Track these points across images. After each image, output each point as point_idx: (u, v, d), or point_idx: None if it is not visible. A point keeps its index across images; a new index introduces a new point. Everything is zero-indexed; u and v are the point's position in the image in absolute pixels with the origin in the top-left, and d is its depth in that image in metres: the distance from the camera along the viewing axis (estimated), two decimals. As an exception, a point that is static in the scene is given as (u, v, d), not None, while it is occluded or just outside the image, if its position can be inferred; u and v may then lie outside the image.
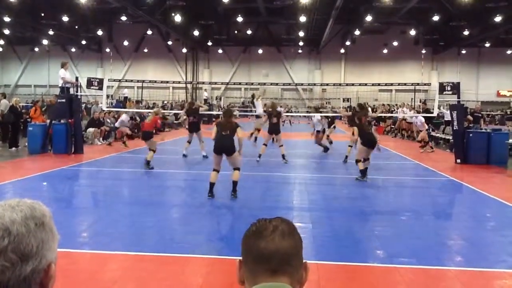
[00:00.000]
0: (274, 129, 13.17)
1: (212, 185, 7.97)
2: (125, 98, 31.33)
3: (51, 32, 37.47)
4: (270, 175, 11.01)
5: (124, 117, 17.70)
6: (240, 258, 1.23)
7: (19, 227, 0.94)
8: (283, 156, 12.75)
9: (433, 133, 19.14)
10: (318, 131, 15.19)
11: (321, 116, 15.63)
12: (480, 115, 19.73)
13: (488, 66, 43.87)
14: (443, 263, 5.11)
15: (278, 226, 1.21)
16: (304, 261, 1.23)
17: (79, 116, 14.63)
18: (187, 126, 16.07)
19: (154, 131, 11.37)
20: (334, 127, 15.87)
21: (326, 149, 15.19)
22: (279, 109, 15.19)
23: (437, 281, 4.70)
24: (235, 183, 8.03)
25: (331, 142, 15.78)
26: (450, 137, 16.03)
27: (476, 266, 5.02)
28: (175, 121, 25.50)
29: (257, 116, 16.03)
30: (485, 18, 31.25)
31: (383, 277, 4.75)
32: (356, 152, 10.88)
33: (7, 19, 32.15)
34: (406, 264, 4.96)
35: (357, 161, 10.29)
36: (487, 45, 41.41)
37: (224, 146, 7.89)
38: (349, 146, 13.35)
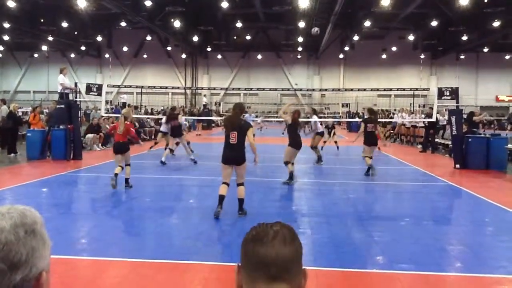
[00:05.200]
0: None
1: (222, 198, 7.09)
2: (124, 103, 31.34)
3: (50, 38, 37.58)
4: (268, 180, 10.99)
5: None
6: (239, 263, 1.22)
7: (8, 235, 0.92)
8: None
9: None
10: None
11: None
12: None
13: (486, 71, 44.01)
14: (443, 269, 5.10)
15: (278, 232, 1.19)
16: (303, 267, 1.22)
17: (78, 122, 14.63)
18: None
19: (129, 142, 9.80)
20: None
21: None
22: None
23: (436, 287, 4.68)
24: (242, 201, 7.21)
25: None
26: (449, 142, 16.04)
27: (475, 272, 5.01)
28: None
29: (318, 133, 14.15)
30: (483, 23, 31.38)
31: (382, 283, 4.74)
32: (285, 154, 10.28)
33: (6, 25, 32.25)
34: (405, 270, 4.94)
35: (287, 163, 9.98)
36: (486, 50, 41.60)
37: (234, 156, 7.08)
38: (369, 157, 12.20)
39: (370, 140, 11.45)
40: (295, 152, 10.09)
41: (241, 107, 7.37)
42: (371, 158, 11.40)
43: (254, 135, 8.42)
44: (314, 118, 14.42)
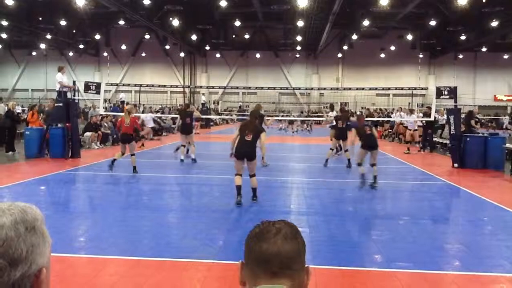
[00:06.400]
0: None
1: (239, 188, 7.95)
2: (122, 102, 31.31)
3: (48, 36, 37.47)
4: (267, 179, 10.99)
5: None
6: (243, 260, 1.24)
7: (9, 231, 0.92)
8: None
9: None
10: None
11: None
12: (477, 119, 19.76)
13: (484, 70, 44.05)
14: (441, 268, 5.11)
15: (281, 229, 1.21)
16: (306, 265, 1.23)
17: (76, 120, 14.61)
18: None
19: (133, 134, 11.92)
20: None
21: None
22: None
23: (434, 285, 4.69)
24: (255, 190, 8.17)
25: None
26: (448, 141, 16.06)
27: (473, 270, 5.02)
28: (172, 125, 25.49)
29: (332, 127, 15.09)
30: (481, 23, 31.41)
31: (380, 282, 4.74)
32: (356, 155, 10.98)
33: (4, 23, 32.16)
34: (403, 269, 4.95)
35: (359, 164, 10.38)
36: (484, 49, 41.62)
37: (247, 152, 8.03)
38: (330, 149, 13.78)
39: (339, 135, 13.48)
40: (365, 153, 10.39)
41: (257, 115, 8.74)
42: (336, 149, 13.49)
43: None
44: (330, 113, 16.14)
